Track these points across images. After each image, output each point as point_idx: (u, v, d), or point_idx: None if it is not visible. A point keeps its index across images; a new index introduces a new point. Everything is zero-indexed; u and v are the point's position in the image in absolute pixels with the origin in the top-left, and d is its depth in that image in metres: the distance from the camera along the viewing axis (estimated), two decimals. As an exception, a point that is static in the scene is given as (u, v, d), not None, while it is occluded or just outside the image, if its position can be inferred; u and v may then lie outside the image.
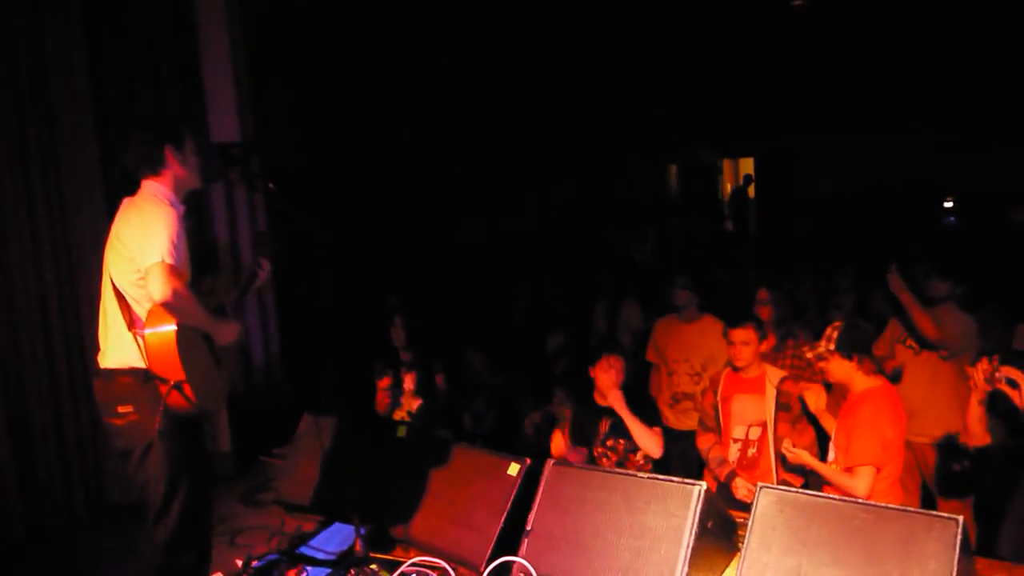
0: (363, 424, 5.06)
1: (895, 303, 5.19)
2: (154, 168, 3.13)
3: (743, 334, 4.36)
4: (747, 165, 17.49)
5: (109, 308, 3.10)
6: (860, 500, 3.21)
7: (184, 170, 3.20)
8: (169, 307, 2.89)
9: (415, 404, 5.54)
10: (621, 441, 4.39)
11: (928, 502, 5.04)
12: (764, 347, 5.34)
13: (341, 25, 7.33)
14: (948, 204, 13.74)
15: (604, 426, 4.45)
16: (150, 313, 2.95)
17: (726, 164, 18.50)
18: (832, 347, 3.88)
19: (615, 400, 4.29)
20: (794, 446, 3.96)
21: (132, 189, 3.18)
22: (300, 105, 6.63)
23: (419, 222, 8.61)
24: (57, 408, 4.53)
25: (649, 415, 4.41)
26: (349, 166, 7.41)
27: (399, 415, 5.54)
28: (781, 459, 4.15)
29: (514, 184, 10.36)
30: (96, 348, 3.17)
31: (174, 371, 2.92)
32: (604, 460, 4.43)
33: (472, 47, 9.13)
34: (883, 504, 3.18)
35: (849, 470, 3.74)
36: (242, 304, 3.54)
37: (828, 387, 4.44)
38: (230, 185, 4.93)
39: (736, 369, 4.44)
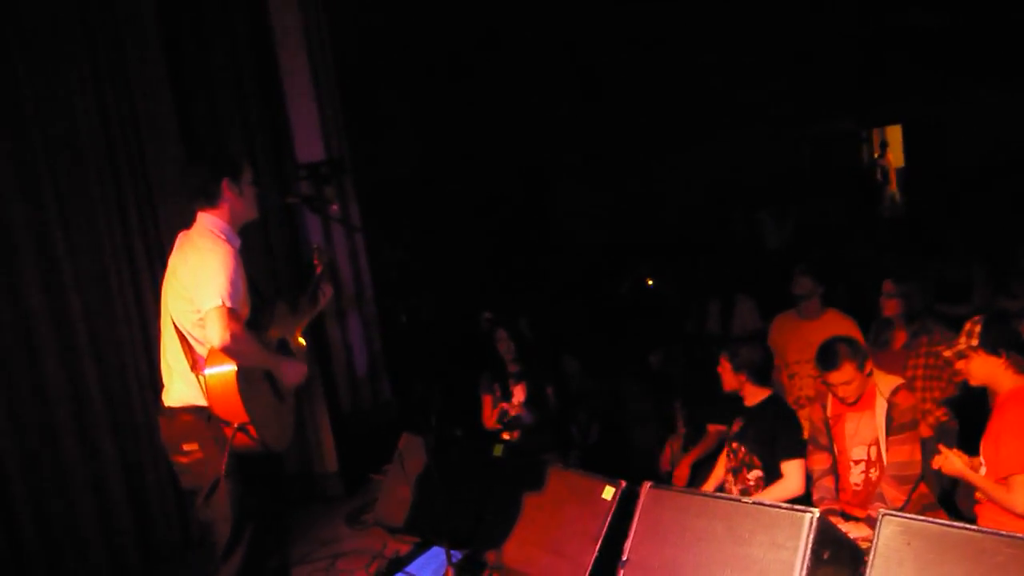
0: (463, 442, 4.94)
1: None
2: (211, 201, 3.07)
3: (842, 375, 3.75)
4: (894, 133, 16.10)
5: (170, 346, 3.08)
6: (1004, 533, 2.72)
7: (241, 202, 3.12)
8: (228, 351, 2.82)
9: (524, 414, 5.37)
10: (743, 448, 4.05)
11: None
12: (896, 344, 4.79)
13: (433, 31, 7.25)
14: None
15: (736, 425, 4.13)
16: (210, 353, 2.90)
17: (875, 134, 17.02)
18: (975, 343, 3.39)
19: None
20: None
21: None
22: (391, 118, 6.59)
23: (520, 220, 8.43)
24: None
25: (792, 442, 3.94)
26: (446, 175, 7.33)
27: (509, 435, 5.37)
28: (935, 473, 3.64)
29: (620, 170, 9.93)
30: (161, 385, 3.17)
31: (237, 413, 2.86)
32: (729, 457, 4.13)
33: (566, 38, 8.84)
34: (1031, 535, 2.71)
35: (1003, 482, 3.25)
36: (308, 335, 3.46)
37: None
38: (313, 210, 4.91)
39: (848, 404, 3.94)
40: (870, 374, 3.83)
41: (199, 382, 2.92)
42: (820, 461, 3.92)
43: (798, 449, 3.91)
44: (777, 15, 9.65)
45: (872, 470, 3.81)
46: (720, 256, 8.62)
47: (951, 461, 3.36)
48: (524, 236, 8.40)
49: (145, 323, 4.47)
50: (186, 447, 2.98)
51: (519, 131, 8.43)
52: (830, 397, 3.98)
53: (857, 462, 3.84)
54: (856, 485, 3.84)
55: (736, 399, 4.17)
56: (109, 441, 4.38)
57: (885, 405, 3.76)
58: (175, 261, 3.07)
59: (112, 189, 4.46)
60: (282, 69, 5.21)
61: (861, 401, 3.85)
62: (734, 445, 4.11)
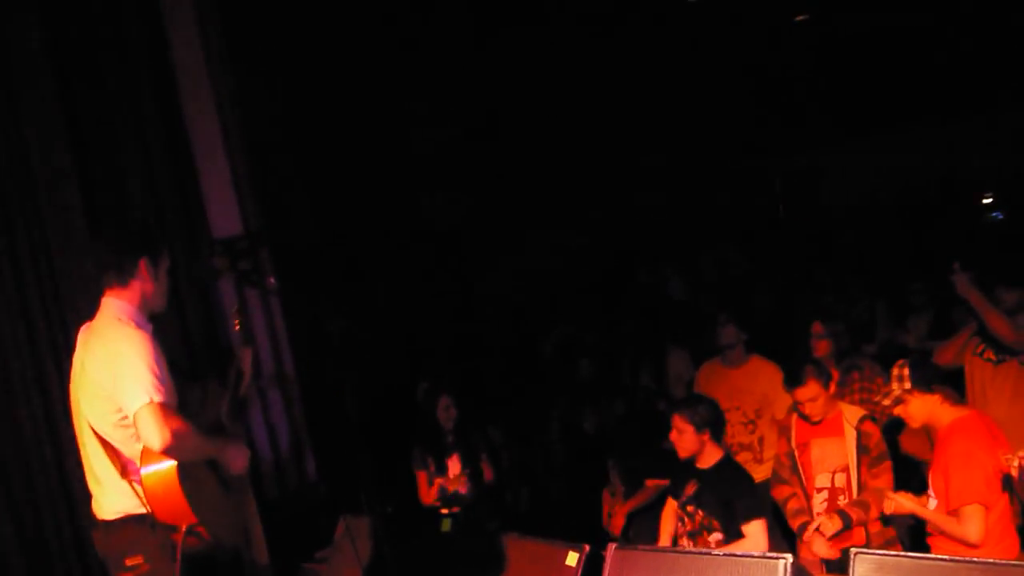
0: (404, 521, 4.74)
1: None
2: (122, 279, 2.78)
3: (807, 392, 3.92)
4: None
5: (93, 454, 2.76)
6: (975, 559, 2.78)
7: (153, 287, 2.85)
8: (169, 451, 2.55)
9: (462, 488, 5.21)
10: (700, 512, 3.96)
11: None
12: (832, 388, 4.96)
13: (347, 94, 7.19)
14: (987, 200, 13.19)
15: (690, 488, 4.03)
16: (144, 453, 2.62)
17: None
18: (908, 386, 3.52)
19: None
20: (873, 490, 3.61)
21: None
22: (309, 187, 6.44)
23: (437, 286, 8.36)
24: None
25: (751, 503, 3.85)
26: (368, 240, 7.20)
27: (445, 508, 5.19)
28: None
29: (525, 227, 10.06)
30: (88, 495, 2.85)
31: (183, 515, 2.61)
32: (684, 522, 4.05)
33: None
34: (1002, 561, 2.78)
35: (954, 513, 3.34)
36: (242, 409, 3.22)
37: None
38: (240, 284, 4.66)
39: (813, 424, 4.04)
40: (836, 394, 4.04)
41: (133, 488, 2.65)
42: (782, 492, 4.01)
43: (759, 509, 3.86)
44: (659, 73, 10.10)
45: (841, 497, 3.88)
46: (631, 310, 8.75)
47: (900, 502, 3.47)
48: (443, 303, 8.31)
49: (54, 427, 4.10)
50: (129, 562, 2.69)
51: (428, 194, 8.44)
52: (794, 427, 4.09)
53: (820, 490, 3.91)
54: (819, 514, 3.89)
55: (684, 461, 4.08)
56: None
57: (855, 434, 3.87)
58: (81, 357, 2.77)
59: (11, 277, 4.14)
60: (193, 145, 5.00)
61: (827, 426, 3.96)
62: (689, 509, 4.02)
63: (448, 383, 5.36)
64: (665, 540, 4.20)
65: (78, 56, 4.61)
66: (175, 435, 2.54)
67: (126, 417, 2.60)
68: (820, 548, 3.80)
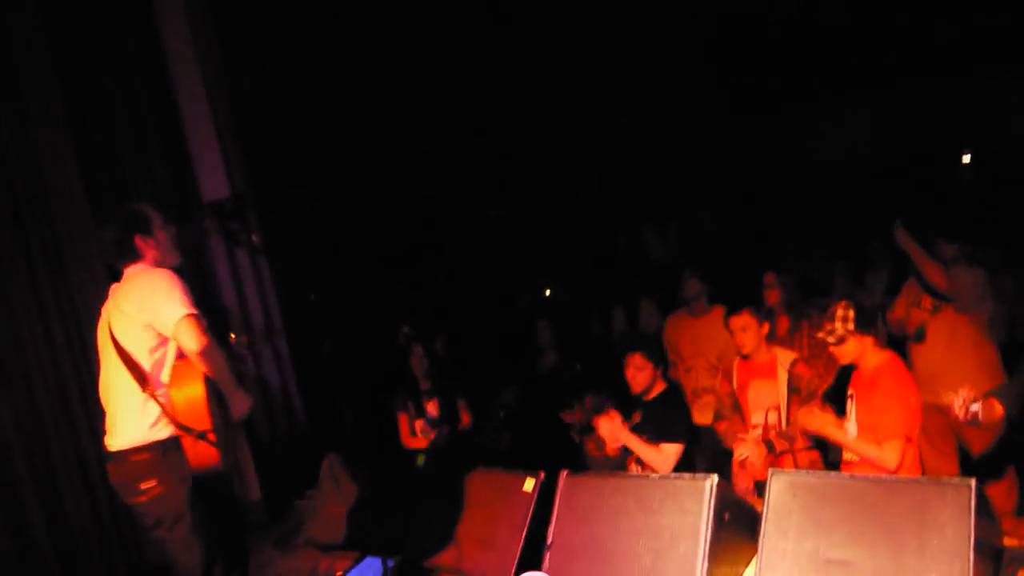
0: (384, 458, 5.11)
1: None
2: (129, 256, 3.23)
3: (740, 320, 4.33)
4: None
5: (121, 387, 3.13)
6: (871, 476, 3.15)
7: (159, 250, 3.28)
8: (204, 356, 2.98)
9: (440, 431, 5.57)
10: (643, 438, 4.33)
11: (966, 463, 4.95)
12: (780, 331, 5.32)
13: (336, 65, 7.43)
14: (966, 159, 13.29)
15: (636, 417, 4.43)
16: (175, 372, 3.06)
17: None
18: (851, 327, 3.83)
19: (618, 437, 4.25)
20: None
21: None
22: (291, 157, 6.73)
23: (422, 248, 8.66)
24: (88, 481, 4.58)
25: (673, 422, 4.29)
26: (352, 205, 7.49)
27: (424, 444, 5.57)
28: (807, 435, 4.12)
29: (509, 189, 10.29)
30: (103, 432, 3.24)
31: (201, 420, 3.03)
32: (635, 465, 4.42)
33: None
34: (893, 476, 3.15)
35: (879, 444, 3.69)
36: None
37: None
38: (230, 246, 5.01)
39: (744, 356, 4.42)
40: (770, 338, 4.38)
41: (157, 401, 3.03)
42: (722, 426, 4.40)
43: (682, 434, 4.26)
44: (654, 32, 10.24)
45: (772, 432, 4.26)
46: (612, 269, 9.09)
47: (816, 416, 3.81)
48: (426, 262, 8.63)
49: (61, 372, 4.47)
50: (143, 486, 3.07)
51: (413, 159, 8.68)
52: (735, 370, 4.46)
53: (755, 426, 4.28)
54: (745, 441, 4.28)
55: (634, 396, 4.44)
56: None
57: (786, 376, 4.22)
58: (117, 301, 3.17)
59: (16, 238, 4.45)
60: (183, 115, 5.31)
61: (763, 369, 4.32)
62: (633, 456, 4.37)
63: (421, 334, 5.68)
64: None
65: (74, 38, 4.91)
66: (211, 343, 2.98)
67: (174, 333, 3.01)
68: (745, 477, 4.20)
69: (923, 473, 3.81)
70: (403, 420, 5.61)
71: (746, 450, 4.15)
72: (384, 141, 8.18)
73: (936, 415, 4.65)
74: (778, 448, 4.12)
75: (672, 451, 4.22)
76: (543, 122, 10.15)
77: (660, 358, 4.42)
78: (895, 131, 12.63)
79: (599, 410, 4.36)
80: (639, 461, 4.34)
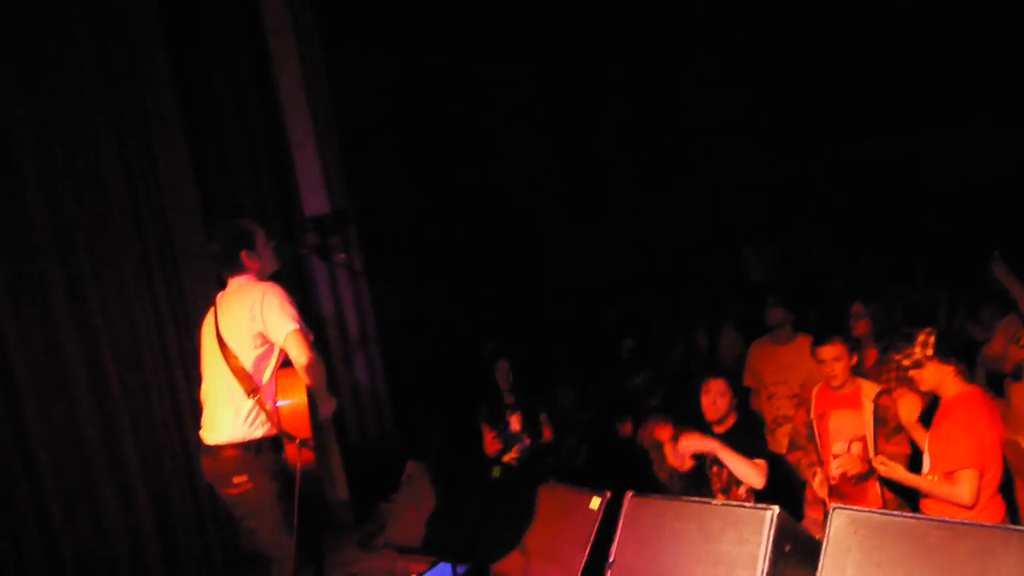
0: (464, 467, 5.30)
1: None
2: (235, 269, 3.50)
3: (831, 351, 4.22)
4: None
5: (221, 386, 3.40)
6: (934, 518, 3.11)
7: (261, 264, 3.55)
8: (310, 369, 3.25)
9: (522, 443, 5.72)
10: (725, 471, 4.30)
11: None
12: (868, 362, 5.20)
13: (427, 88, 7.73)
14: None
15: None
16: (280, 382, 3.35)
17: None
18: (930, 352, 3.77)
19: (708, 445, 4.20)
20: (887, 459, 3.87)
21: None
22: (388, 171, 7.02)
23: (514, 261, 8.83)
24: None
25: (754, 444, 4.27)
26: (441, 222, 7.75)
27: (508, 457, 5.72)
28: (879, 479, 4.04)
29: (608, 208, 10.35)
30: (198, 427, 3.53)
31: (303, 428, 3.31)
32: (715, 481, 4.38)
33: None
34: (958, 520, 3.09)
35: (949, 476, 3.62)
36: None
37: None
38: (329, 261, 5.30)
39: (836, 387, 4.34)
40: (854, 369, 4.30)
41: (262, 407, 3.32)
42: (795, 456, 4.36)
43: (765, 454, 4.23)
44: (762, 51, 10.15)
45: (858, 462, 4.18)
46: (706, 289, 9.01)
47: (892, 467, 3.76)
48: (518, 276, 8.80)
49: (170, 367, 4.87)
50: (236, 480, 3.34)
51: (508, 174, 8.90)
52: (814, 398, 4.38)
53: (836, 456, 4.19)
54: (833, 479, 4.21)
55: (703, 425, 4.40)
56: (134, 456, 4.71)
57: (872, 406, 4.14)
58: (229, 307, 3.45)
59: (137, 245, 4.85)
60: (288, 132, 5.68)
61: (846, 399, 4.23)
62: (715, 469, 4.33)
63: (507, 349, 5.84)
64: None
65: (191, 48, 5.28)
66: (316, 356, 3.26)
67: (283, 346, 3.30)
68: (818, 508, 4.12)
69: (1018, 514, 3.68)
70: (487, 431, 5.79)
71: (844, 463, 4.04)
72: (484, 158, 8.43)
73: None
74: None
75: (764, 465, 4.15)
76: (650, 143, 10.20)
77: (738, 389, 4.41)
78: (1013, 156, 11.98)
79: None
80: (718, 474, 4.31)
